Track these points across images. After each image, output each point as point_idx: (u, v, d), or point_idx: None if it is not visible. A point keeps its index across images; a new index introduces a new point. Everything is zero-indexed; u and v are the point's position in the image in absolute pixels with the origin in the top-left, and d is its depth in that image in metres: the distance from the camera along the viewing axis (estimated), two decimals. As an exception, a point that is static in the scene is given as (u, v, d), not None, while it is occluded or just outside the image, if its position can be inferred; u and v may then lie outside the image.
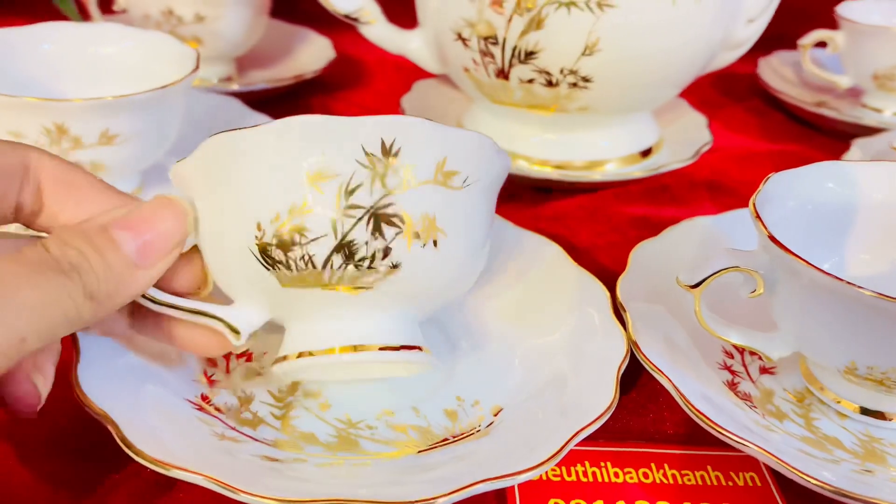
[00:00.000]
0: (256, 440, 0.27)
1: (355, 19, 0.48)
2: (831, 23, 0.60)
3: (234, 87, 0.55)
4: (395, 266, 0.25)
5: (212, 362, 0.30)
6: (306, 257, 0.24)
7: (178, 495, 0.26)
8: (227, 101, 0.49)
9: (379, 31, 0.48)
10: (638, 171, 0.47)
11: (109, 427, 0.24)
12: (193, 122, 0.44)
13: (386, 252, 0.24)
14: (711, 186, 0.50)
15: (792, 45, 0.64)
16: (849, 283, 0.25)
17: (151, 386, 0.27)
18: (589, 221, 0.45)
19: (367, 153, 0.24)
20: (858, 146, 0.50)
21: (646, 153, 0.49)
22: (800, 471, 0.25)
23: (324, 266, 0.24)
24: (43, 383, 0.25)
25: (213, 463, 0.24)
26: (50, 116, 0.36)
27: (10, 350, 0.20)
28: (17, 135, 0.36)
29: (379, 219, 0.24)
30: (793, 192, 0.32)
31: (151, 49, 0.43)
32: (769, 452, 0.25)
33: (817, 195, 0.32)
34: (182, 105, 0.40)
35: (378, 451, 0.27)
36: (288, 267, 0.25)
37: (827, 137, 0.58)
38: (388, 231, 0.24)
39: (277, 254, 0.24)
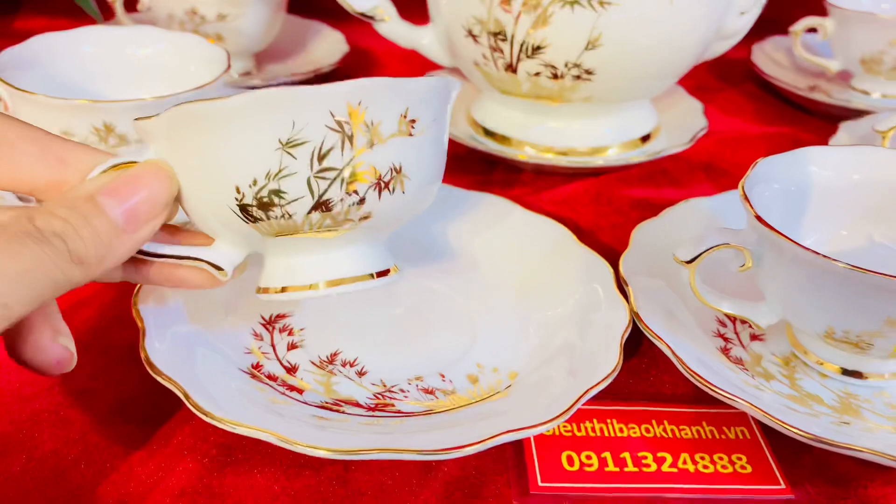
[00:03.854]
0: (305, 403, 0.30)
1: (371, 17, 0.51)
2: (822, 9, 0.63)
3: (256, 81, 0.58)
4: (367, 215, 0.27)
5: (258, 336, 0.34)
6: (286, 215, 0.26)
7: (238, 455, 0.30)
8: (251, 96, 0.53)
9: (393, 27, 0.51)
10: (638, 155, 0.50)
11: (179, 394, 0.28)
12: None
13: (360, 203, 0.27)
14: (708, 168, 0.53)
15: (785, 31, 0.66)
16: (825, 256, 0.28)
17: (210, 356, 0.31)
18: (593, 204, 0.48)
19: (335, 119, 0.26)
20: (845, 129, 0.53)
21: (645, 139, 0.53)
22: (783, 422, 0.28)
23: (302, 221, 0.27)
24: (69, 342, 0.26)
25: (270, 422, 0.27)
26: (99, 116, 0.39)
27: None
28: (68, 133, 0.40)
29: (352, 177, 0.26)
30: (779, 175, 0.35)
31: (184, 50, 0.46)
32: (757, 407, 0.29)
33: (801, 178, 0.35)
34: (216, 102, 0.44)
35: (411, 410, 0.31)
36: (268, 221, 0.27)
37: (818, 120, 0.61)
38: (361, 187, 0.27)
39: (257, 213, 0.26)
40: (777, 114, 0.63)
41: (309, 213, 0.26)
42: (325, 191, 0.26)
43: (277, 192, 0.26)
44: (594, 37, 0.43)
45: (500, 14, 0.44)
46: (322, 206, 0.26)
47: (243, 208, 0.26)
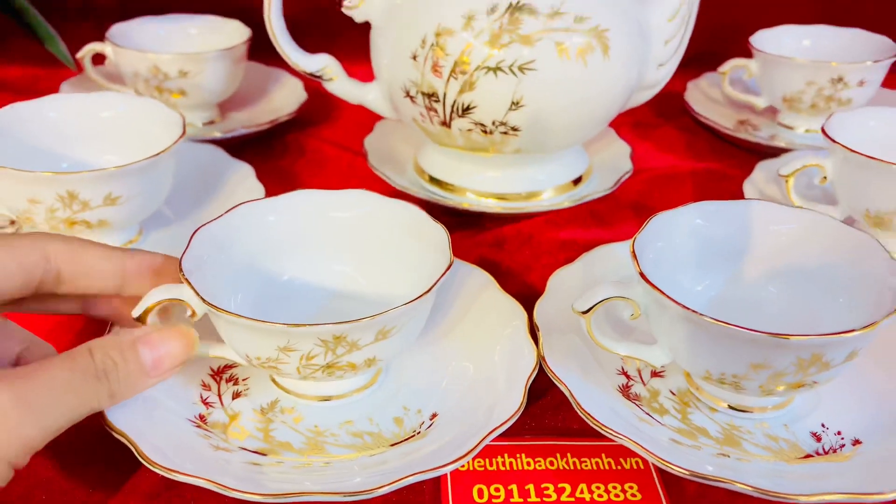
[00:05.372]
0: (244, 449, 0.34)
1: (319, 77, 0.55)
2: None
3: (217, 134, 0.62)
4: (342, 377, 0.35)
5: (206, 387, 0.38)
6: (280, 373, 0.35)
7: (185, 494, 0.34)
8: (211, 150, 0.57)
9: (340, 85, 0.55)
10: (566, 200, 0.54)
11: (129, 445, 0.32)
12: (183, 171, 0.51)
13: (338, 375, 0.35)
14: (635, 207, 0.58)
15: (721, 65, 0.70)
16: (694, 311, 0.33)
17: (159, 410, 0.35)
18: (525, 246, 0.53)
19: (321, 339, 0.32)
20: (760, 168, 0.57)
21: (577, 181, 0.57)
22: (657, 455, 0.32)
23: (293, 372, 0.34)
24: None
25: (210, 468, 0.31)
26: (63, 186, 0.43)
27: (38, 442, 0.29)
28: (35, 201, 0.43)
29: (331, 367, 0.34)
30: (670, 229, 0.39)
31: (144, 113, 0.51)
32: (636, 442, 0.33)
33: (690, 231, 0.40)
34: (173, 164, 0.48)
35: (340, 453, 0.35)
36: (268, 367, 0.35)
37: (747, 154, 0.66)
38: (339, 372, 0.34)
39: (262, 365, 0.35)
40: (709, 149, 0.67)
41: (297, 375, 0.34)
42: (310, 374, 0.34)
43: (274, 367, 0.34)
44: (517, 98, 0.48)
45: (433, 79, 0.49)
46: (307, 377, 0.34)
47: (249, 360, 0.35)
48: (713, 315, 0.33)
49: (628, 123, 0.69)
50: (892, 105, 0.68)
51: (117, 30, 0.66)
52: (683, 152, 0.67)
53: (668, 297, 0.33)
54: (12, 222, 0.50)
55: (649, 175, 0.62)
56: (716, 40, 0.76)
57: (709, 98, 0.72)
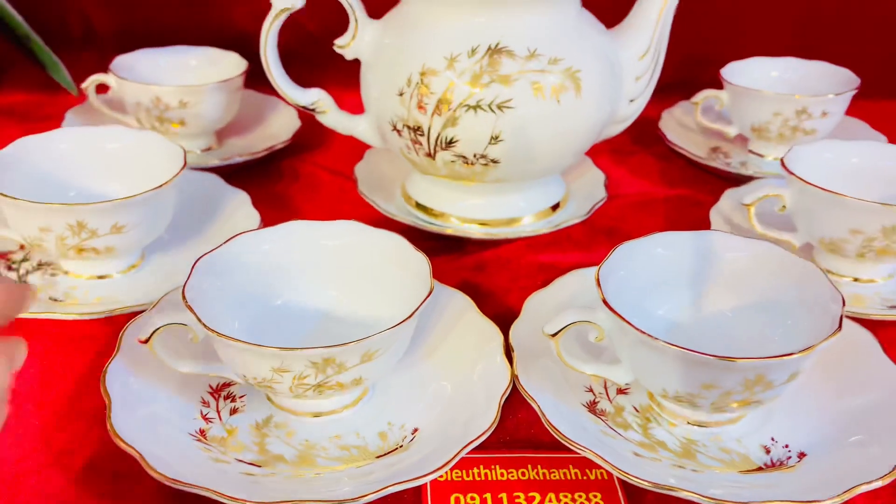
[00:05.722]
0: (241, 461, 0.38)
1: (312, 110, 0.58)
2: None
3: (215, 161, 0.65)
4: (331, 396, 0.39)
5: (206, 403, 0.41)
6: (274, 392, 0.39)
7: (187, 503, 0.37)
8: (208, 178, 0.60)
9: (332, 118, 0.59)
10: (545, 226, 0.58)
11: (137, 458, 0.35)
12: (182, 198, 0.54)
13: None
14: (610, 233, 0.61)
15: (696, 93, 0.74)
16: (650, 335, 0.36)
17: (163, 426, 0.38)
18: (505, 269, 0.56)
19: (311, 361, 0.36)
20: (727, 196, 0.61)
21: (556, 207, 0.60)
22: (617, 466, 0.36)
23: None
24: None
25: (210, 478, 0.35)
26: (73, 216, 0.46)
27: None
28: (47, 229, 0.47)
29: (321, 386, 0.37)
30: (633, 258, 0.42)
31: (147, 146, 0.54)
32: (599, 455, 0.36)
33: (650, 259, 0.43)
34: (174, 195, 0.51)
35: (329, 465, 0.38)
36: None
37: (718, 181, 0.69)
38: (328, 392, 0.38)
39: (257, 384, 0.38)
40: (682, 175, 0.71)
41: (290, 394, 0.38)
42: (302, 392, 0.37)
43: (269, 386, 0.37)
44: (496, 133, 0.51)
45: (418, 114, 0.52)
46: (299, 395, 0.38)
47: (246, 380, 0.38)
48: (671, 338, 0.36)
49: (606, 150, 0.72)
50: (854, 134, 0.73)
51: (121, 61, 0.69)
52: (657, 179, 0.70)
53: (627, 322, 0.37)
54: (22, 247, 0.53)
55: (624, 201, 0.65)
56: (691, 70, 0.80)
57: (682, 126, 0.76)
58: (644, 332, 0.36)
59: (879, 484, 0.35)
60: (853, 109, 0.73)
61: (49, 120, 0.79)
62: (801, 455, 0.39)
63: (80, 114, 0.72)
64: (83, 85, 0.69)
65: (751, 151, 0.72)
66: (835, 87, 0.69)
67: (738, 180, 0.66)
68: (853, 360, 0.43)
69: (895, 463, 0.36)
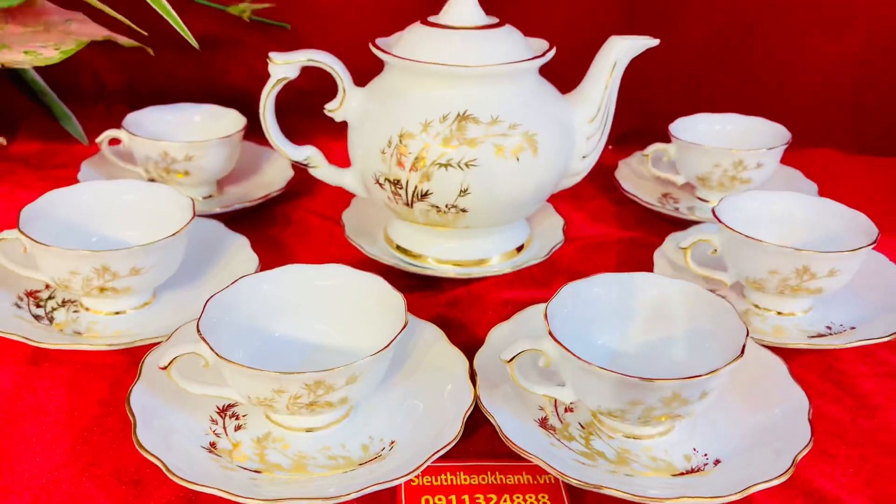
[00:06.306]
0: (245, 469, 0.45)
1: (305, 165, 0.66)
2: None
3: (217, 209, 0.73)
4: (322, 413, 0.46)
5: (214, 421, 0.48)
6: (274, 409, 0.45)
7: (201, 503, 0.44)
8: (211, 224, 0.67)
9: (323, 172, 0.67)
10: (509, 266, 0.66)
11: (159, 465, 0.42)
12: (189, 242, 0.62)
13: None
14: (568, 272, 0.69)
15: (653, 142, 0.82)
16: (585, 360, 0.44)
17: (180, 437, 0.45)
18: (475, 304, 0.64)
19: (305, 383, 0.42)
20: (671, 239, 0.69)
21: (520, 248, 0.68)
22: (559, 470, 0.43)
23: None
24: None
25: (220, 482, 0.42)
26: (98, 261, 0.53)
27: None
28: (75, 273, 0.54)
29: (313, 404, 0.44)
30: (576, 296, 0.50)
31: (160, 197, 0.61)
32: (546, 462, 0.44)
33: (590, 297, 0.51)
34: (185, 241, 0.58)
35: (319, 472, 0.45)
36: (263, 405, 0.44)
37: (668, 224, 0.77)
38: (319, 409, 0.45)
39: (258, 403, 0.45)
40: (635, 219, 0.79)
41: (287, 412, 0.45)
42: (297, 410, 0.44)
43: (269, 405, 0.44)
44: (464, 187, 0.59)
45: (397, 170, 0.60)
46: (294, 412, 0.45)
47: (249, 399, 0.45)
48: (608, 364, 0.44)
49: (567, 196, 0.80)
50: (787, 181, 0.82)
51: (131, 118, 0.77)
52: (613, 222, 0.79)
53: (567, 349, 0.44)
54: (47, 286, 0.60)
55: (582, 243, 0.73)
56: (647, 122, 0.89)
57: (637, 175, 0.84)
58: (581, 359, 0.44)
59: (776, 483, 0.43)
60: (791, 158, 0.82)
61: (62, 168, 0.87)
62: (717, 462, 0.47)
63: (94, 164, 0.80)
64: (98, 139, 0.77)
65: (698, 198, 0.81)
66: (769, 142, 0.78)
67: (686, 224, 0.75)
68: (764, 382, 0.50)
69: (789, 465, 0.44)
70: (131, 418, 0.45)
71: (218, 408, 0.49)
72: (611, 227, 0.78)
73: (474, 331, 0.60)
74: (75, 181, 0.74)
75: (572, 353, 0.44)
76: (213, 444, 0.46)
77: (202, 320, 0.46)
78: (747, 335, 0.46)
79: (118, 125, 0.76)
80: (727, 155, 0.75)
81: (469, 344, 0.55)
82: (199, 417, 0.48)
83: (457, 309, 0.63)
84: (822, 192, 0.79)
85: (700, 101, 0.88)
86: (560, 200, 0.76)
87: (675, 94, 0.94)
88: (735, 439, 0.48)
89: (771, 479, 0.43)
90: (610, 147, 0.90)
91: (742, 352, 0.45)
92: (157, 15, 0.74)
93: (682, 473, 0.46)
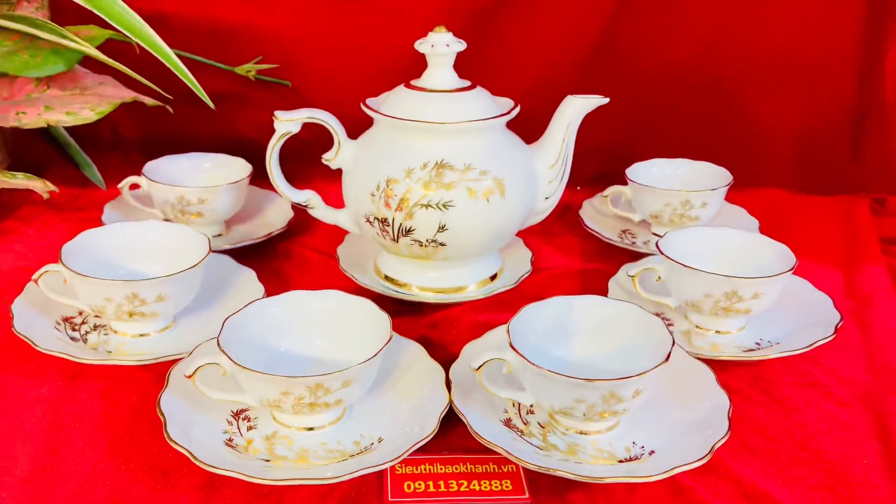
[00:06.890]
0: (258, 459, 0.54)
1: (305, 206, 0.76)
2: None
3: (226, 245, 0.83)
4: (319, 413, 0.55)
5: (229, 423, 0.57)
6: (280, 410, 0.55)
7: (222, 490, 0.53)
8: (222, 258, 0.77)
9: (320, 212, 0.77)
10: (483, 293, 0.75)
11: (187, 454, 0.51)
12: (203, 274, 0.71)
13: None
14: (535, 297, 0.77)
15: (613, 183, 0.92)
16: (536, 365, 0.53)
17: (203, 433, 0.54)
18: (453, 326, 0.73)
19: (307, 386, 0.52)
20: (624, 269, 0.79)
21: (493, 277, 0.78)
22: (517, 457, 0.52)
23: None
24: None
25: (238, 467, 0.51)
26: (130, 289, 0.63)
27: None
28: (110, 300, 0.63)
29: (313, 405, 0.53)
30: (533, 316, 0.60)
31: (179, 235, 0.71)
32: (509, 452, 0.52)
33: (545, 316, 0.60)
34: (202, 272, 0.68)
35: (318, 461, 0.54)
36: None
37: (626, 257, 0.87)
38: (317, 409, 0.54)
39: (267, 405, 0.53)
40: (597, 252, 0.89)
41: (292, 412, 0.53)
42: (300, 410, 0.53)
43: (277, 405, 0.52)
44: (442, 224, 0.69)
45: (385, 210, 0.70)
46: (298, 412, 0.53)
47: (261, 401, 0.53)
48: (557, 370, 0.53)
49: (538, 232, 0.90)
50: (731, 218, 0.92)
51: (150, 166, 0.87)
52: (577, 255, 0.88)
53: (524, 357, 0.54)
54: (80, 313, 0.70)
55: (549, 273, 0.83)
56: (613, 166, 0.99)
57: (599, 213, 0.94)
58: (535, 364, 0.53)
59: (696, 465, 0.52)
60: (738, 197, 0.92)
61: (82, 210, 0.97)
62: (652, 452, 0.56)
63: (116, 207, 0.89)
64: (119, 185, 0.87)
65: (653, 233, 0.90)
66: (713, 183, 0.88)
67: (642, 256, 0.84)
68: (694, 387, 0.60)
69: (706, 452, 0.53)
70: (161, 418, 0.54)
71: (232, 412, 0.58)
72: (575, 259, 0.88)
73: (451, 349, 0.70)
74: (95, 222, 0.84)
75: (528, 361, 0.54)
76: (229, 440, 0.55)
77: (221, 336, 0.55)
78: (673, 345, 0.56)
79: (133, 172, 0.86)
80: (675, 195, 0.85)
81: (447, 359, 0.64)
82: (216, 419, 0.57)
83: (437, 330, 0.73)
84: (764, 228, 0.89)
85: (658, 147, 0.98)
86: (531, 235, 0.86)
87: (635, 141, 1.05)
88: (667, 434, 0.57)
89: (692, 462, 0.52)
90: (578, 188, 1.01)
91: (667, 358, 0.54)
92: (171, 74, 0.84)
93: (622, 461, 0.55)
